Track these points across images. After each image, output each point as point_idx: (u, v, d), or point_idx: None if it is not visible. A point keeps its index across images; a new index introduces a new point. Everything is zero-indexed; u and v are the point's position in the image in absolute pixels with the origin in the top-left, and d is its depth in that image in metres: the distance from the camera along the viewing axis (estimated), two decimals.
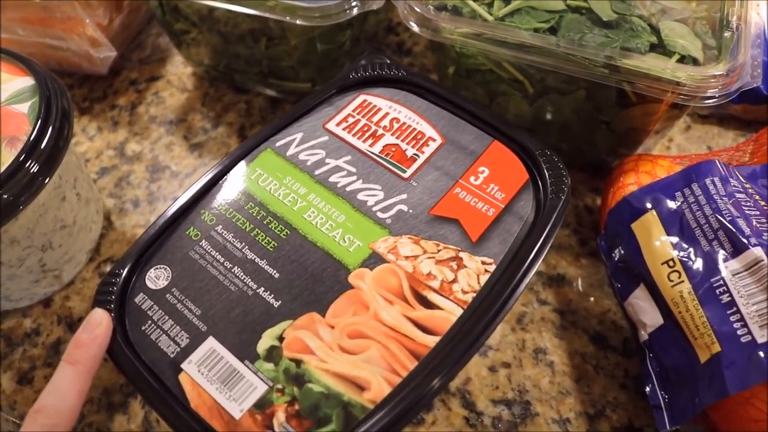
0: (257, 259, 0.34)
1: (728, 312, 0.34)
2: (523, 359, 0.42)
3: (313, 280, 0.33)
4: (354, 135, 0.39)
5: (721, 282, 0.35)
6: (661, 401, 0.37)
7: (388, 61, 0.42)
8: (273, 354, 0.31)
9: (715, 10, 0.44)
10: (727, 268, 0.35)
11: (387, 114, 0.40)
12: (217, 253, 0.34)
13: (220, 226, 0.35)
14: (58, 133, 0.39)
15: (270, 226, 0.35)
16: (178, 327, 0.32)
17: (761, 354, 0.32)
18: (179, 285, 0.33)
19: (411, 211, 0.35)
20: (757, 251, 0.34)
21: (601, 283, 0.45)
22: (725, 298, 0.34)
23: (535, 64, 0.41)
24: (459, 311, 0.31)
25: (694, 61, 0.40)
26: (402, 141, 0.39)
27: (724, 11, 0.44)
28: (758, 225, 0.36)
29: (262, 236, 0.35)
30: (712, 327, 0.34)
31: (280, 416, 0.29)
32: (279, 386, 0.30)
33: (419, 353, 0.30)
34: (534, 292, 0.45)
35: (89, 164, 0.54)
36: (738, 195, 0.38)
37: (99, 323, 0.31)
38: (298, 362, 0.30)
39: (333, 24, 0.45)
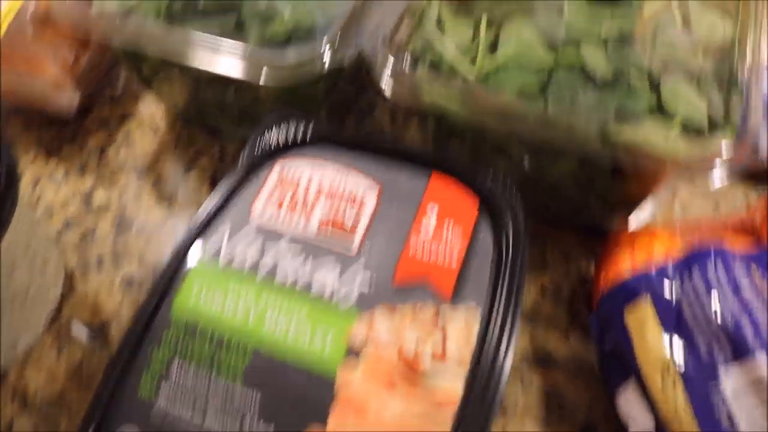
0: (230, 384, 0.29)
1: None
2: None
3: (298, 394, 0.29)
4: (286, 214, 0.34)
5: (722, 399, 0.31)
6: None
7: (296, 118, 0.38)
8: None
9: (723, 61, 0.40)
10: (728, 379, 0.31)
11: (311, 179, 0.36)
12: (181, 404, 0.29)
13: (176, 363, 0.30)
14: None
15: (230, 347, 0.30)
16: None
17: None
18: None
19: (373, 288, 0.32)
20: (762, 361, 0.31)
21: (592, 365, 0.41)
22: (725, 421, 0.30)
23: (519, 133, 0.37)
24: (464, 372, 0.29)
25: (698, 131, 0.36)
26: (337, 208, 0.35)
27: (734, 63, 0.40)
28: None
29: (225, 364, 0.30)
30: None
31: None
32: None
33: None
34: (518, 374, 0.42)
35: (54, 217, 0.51)
36: (744, 288, 0.34)
37: None
38: None
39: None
